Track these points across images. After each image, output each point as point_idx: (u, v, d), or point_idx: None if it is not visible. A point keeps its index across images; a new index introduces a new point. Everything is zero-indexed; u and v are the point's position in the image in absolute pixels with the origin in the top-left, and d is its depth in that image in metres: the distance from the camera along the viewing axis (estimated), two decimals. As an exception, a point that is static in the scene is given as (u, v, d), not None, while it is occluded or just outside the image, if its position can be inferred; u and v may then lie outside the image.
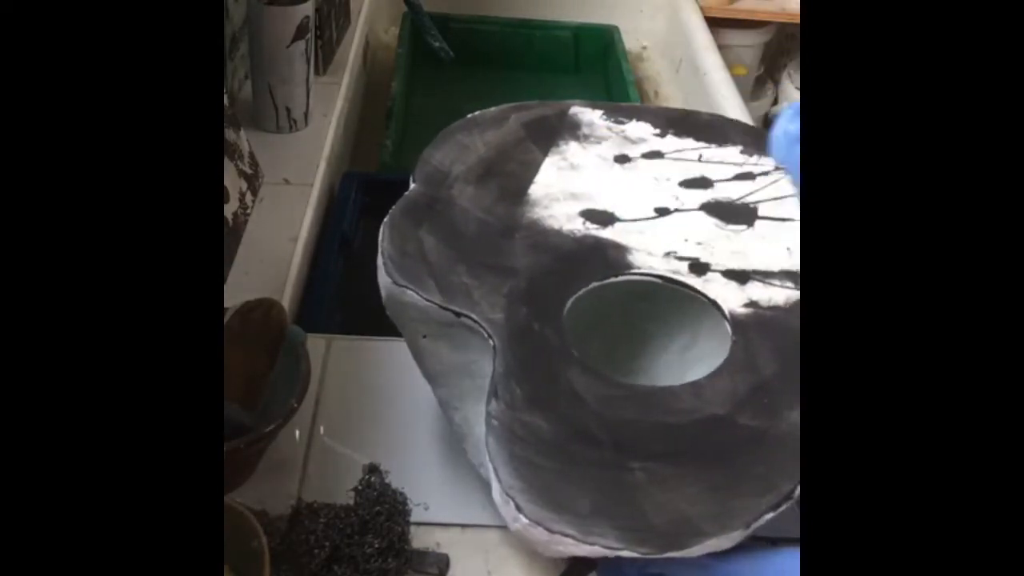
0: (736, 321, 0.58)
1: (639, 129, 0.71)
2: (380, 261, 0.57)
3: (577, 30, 1.41)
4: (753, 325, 0.58)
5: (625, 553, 0.47)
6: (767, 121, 1.84)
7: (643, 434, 0.52)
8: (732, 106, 1.12)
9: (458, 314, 0.55)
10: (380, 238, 0.59)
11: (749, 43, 1.69)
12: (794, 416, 0.53)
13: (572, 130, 0.70)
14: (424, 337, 0.58)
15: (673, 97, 1.36)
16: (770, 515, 0.48)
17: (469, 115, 0.69)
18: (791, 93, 1.77)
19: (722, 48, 1.32)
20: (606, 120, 0.71)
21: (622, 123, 0.71)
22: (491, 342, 0.54)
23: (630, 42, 1.40)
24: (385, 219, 0.60)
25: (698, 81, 1.25)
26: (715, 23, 1.47)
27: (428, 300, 0.55)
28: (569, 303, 0.58)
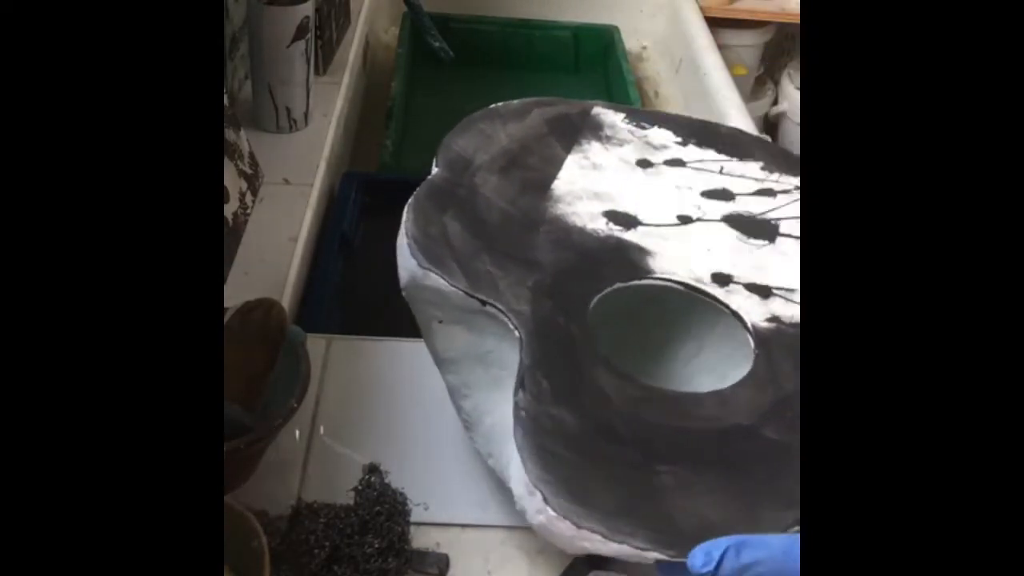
0: (759, 335, 0.58)
1: (661, 136, 0.71)
2: (404, 242, 0.57)
3: (577, 30, 1.41)
4: (775, 340, 0.58)
5: (652, 555, 0.47)
6: (767, 121, 1.84)
7: (668, 438, 0.52)
8: (732, 106, 1.12)
9: (484, 302, 0.55)
10: (404, 219, 0.58)
11: (749, 43, 1.69)
12: None
13: (594, 130, 0.70)
14: (439, 322, 0.58)
15: (673, 97, 1.36)
16: (795, 528, 0.48)
17: (491, 106, 0.70)
18: (791, 93, 1.77)
19: (722, 48, 1.32)
20: (628, 123, 0.71)
21: (644, 128, 0.71)
22: (516, 333, 0.54)
23: (630, 42, 1.40)
24: (409, 200, 0.60)
25: (698, 81, 1.25)
26: (715, 23, 1.47)
27: (453, 285, 0.55)
28: (594, 301, 0.58)
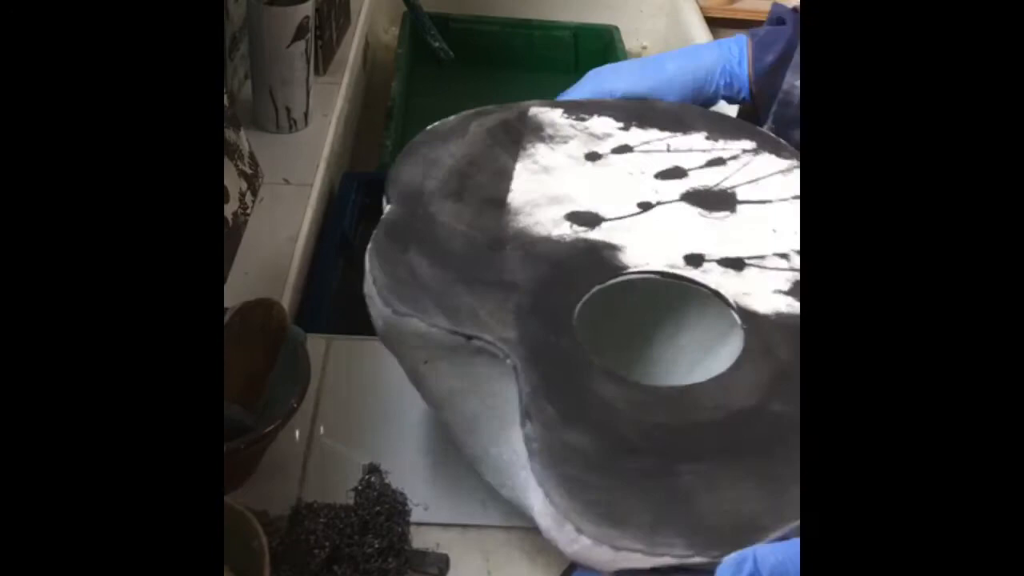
0: (743, 310, 0.58)
1: (602, 124, 0.70)
2: (373, 291, 0.55)
3: (577, 30, 1.41)
4: (760, 311, 0.57)
5: (695, 560, 0.46)
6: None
7: (681, 436, 0.51)
8: (732, 106, 1.12)
9: (469, 337, 0.52)
10: (368, 266, 0.56)
11: (749, 43, 1.69)
12: None
13: (536, 132, 0.69)
14: (425, 363, 0.55)
15: (673, 97, 1.36)
16: None
17: (428, 127, 0.68)
18: (791, 93, 1.77)
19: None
20: (567, 118, 0.70)
21: (584, 119, 0.70)
22: (509, 362, 0.52)
23: (630, 42, 1.40)
24: (369, 246, 0.58)
25: (698, 81, 1.24)
26: (715, 23, 1.47)
27: (433, 326, 0.53)
28: (577, 310, 0.56)
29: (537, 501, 0.48)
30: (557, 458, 0.49)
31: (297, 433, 0.65)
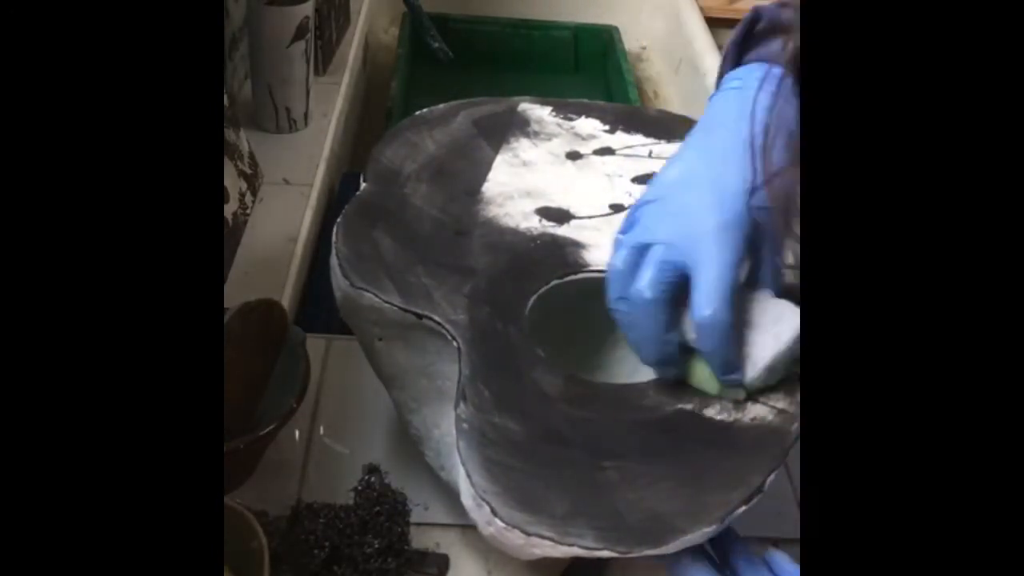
0: None
1: (588, 125, 0.71)
2: (335, 263, 0.57)
3: (577, 30, 1.41)
4: None
5: (603, 553, 0.46)
6: (767, 121, 1.84)
7: (612, 432, 0.52)
8: (732, 106, 1.12)
9: (420, 316, 0.54)
10: (334, 239, 0.58)
11: (749, 43, 1.68)
12: (759, 409, 0.53)
13: (522, 127, 0.70)
14: (380, 340, 0.57)
15: (672, 98, 1.36)
16: (742, 509, 0.48)
17: (417, 112, 0.69)
18: (791, 93, 1.77)
19: (722, 48, 1.32)
20: (555, 116, 0.71)
21: (571, 119, 0.71)
22: (455, 344, 0.53)
23: (630, 42, 1.40)
24: (338, 219, 0.59)
25: (698, 81, 1.25)
26: (715, 23, 1.47)
27: (387, 302, 0.54)
28: (531, 302, 0.57)
29: (462, 481, 0.49)
30: (484, 440, 0.50)
31: (297, 433, 0.65)
